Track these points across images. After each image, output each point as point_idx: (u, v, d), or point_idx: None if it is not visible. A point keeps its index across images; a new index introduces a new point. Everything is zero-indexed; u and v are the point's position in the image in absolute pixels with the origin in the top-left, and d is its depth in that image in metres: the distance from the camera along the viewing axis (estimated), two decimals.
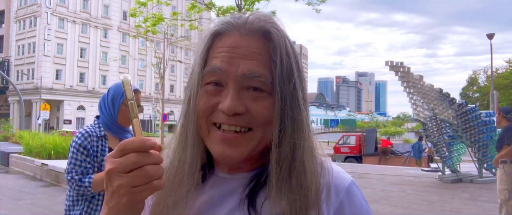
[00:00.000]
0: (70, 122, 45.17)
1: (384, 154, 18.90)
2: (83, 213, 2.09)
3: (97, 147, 2.13)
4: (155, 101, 42.09)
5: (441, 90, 10.19)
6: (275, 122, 0.64)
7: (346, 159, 19.13)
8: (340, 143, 20.25)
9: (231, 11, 12.75)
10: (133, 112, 0.58)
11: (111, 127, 2.19)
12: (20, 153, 12.10)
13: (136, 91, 2.17)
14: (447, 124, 10.32)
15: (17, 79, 46.03)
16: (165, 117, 27.67)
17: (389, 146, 20.00)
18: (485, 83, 44.05)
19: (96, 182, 2.03)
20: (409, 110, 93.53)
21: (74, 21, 47.00)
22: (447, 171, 10.64)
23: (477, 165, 10.07)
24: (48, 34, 44.44)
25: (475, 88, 47.27)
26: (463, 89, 48.82)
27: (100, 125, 2.19)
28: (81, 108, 47.40)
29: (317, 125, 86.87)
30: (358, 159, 19.02)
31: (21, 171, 11.05)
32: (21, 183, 9.21)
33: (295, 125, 0.65)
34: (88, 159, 2.08)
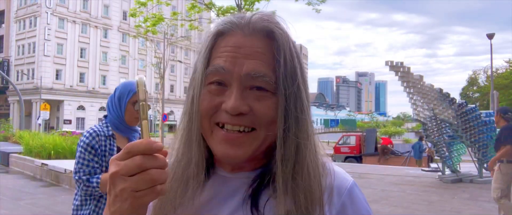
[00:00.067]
0: (70, 122, 45.17)
1: (384, 153, 18.88)
2: (92, 213, 2.08)
3: (105, 146, 2.12)
4: (155, 101, 42.09)
5: (441, 90, 10.19)
6: (279, 121, 0.64)
7: (346, 159, 19.12)
8: (340, 143, 20.24)
9: (231, 11, 12.76)
10: (143, 113, 0.57)
11: (119, 126, 2.18)
12: (20, 153, 12.10)
13: None
14: (447, 124, 10.32)
15: (17, 79, 46.03)
16: (165, 117, 27.67)
17: (389, 144, 19.98)
18: (485, 83, 44.05)
19: (104, 182, 2.02)
20: (409, 110, 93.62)
21: (74, 21, 47.00)
22: (447, 171, 10.64)
23: (477, 165, 10.07)
24: (48, 34, 44.43)
25: (475, 88, 47.26)
26: (463, 89, 48.80)
27: (108, 124, 2.18)
28: (81, 107, 47.40)
29: (317, 125, 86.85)
30: (358, 159, 19.02)
31: (21, 171, 11.05)
32: (21, 183, 9.20)
33: (299, 124, 0.66)
34: (95, 158, 2.08)
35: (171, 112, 53.12)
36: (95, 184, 2.03)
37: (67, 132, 15.92)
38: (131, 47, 50.13)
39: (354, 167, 14.17)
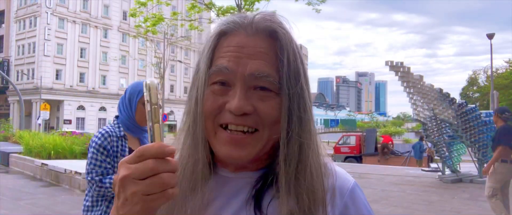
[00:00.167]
0: (70, 122, 45.15)
1: (384, 153, 18.88)
2: (103, 214, 2.07)
3: (117, 147, 2.12)
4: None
5: (441, 90, 10.20)
6: (283, 121, 0.64)
7: (346, 159, 19.13)
8: (340, 143, 20.26)
9: (231, 11, 12.76)
10: (155, 117, 0.56)
11: (130, 126, 2.19)
12: (20, 153, 12.10)
13: None
14: (447, 124, 10.33)
15: (17, 79, 46.01)
16: (165, 117, 27.70)
17: (389, 142, 19.96)
18: (485, 83, 44.04)
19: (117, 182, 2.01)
20: (409, 110, 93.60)
21: (74, 21, 46.99)
22: (447, 171, 10.64)
23: (477, 165, 10.08)
24: (48, 34, 44.41)
25: (475, 88, 47.24)
26: (463, 89, 48.80)
27: (120, 125, 2.19)
28: (81, 107, 47.38)
29: (317, 125, 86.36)
30: (358, 159, 19.03)
31: (21, 171, 11.05)
32: (21, 183, 9.20)
33: (302, 124, 0.66)
34: (108, 159, 2.07)
35: (171, 112, 53.11)
36: (108, 185, 2.03)
37: (67, 132, 15.90)
38: (131, 47, 50.11)
39: (354, 167, 14.17)
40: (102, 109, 49.42)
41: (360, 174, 11.20)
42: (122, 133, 2.16)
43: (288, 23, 0.69)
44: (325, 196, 0.66)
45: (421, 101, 10.44)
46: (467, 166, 11.50)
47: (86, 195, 2.14)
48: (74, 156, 11.13)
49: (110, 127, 2.16)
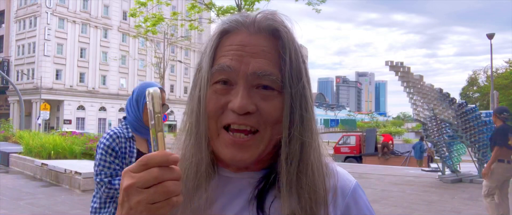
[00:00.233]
0: (70, 122, 45.15)
1: (384, 153, 18.88)
2: None
3: (126, 148, 2.11)
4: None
5: (441, 90, 10.20)
6: (285, 119, 0.64)
7: (346, 159, 19.13)
8: (340, 143, 20.24)
9: (231, 11, 12.76)
10: (158, 125, 0.56)
11: (138, 127, 2.18)
12: (20, 153, 12.09)
13: (161, 90, 2.19)
14: (447, 124, 10.33)
15: (17, 79, 46.02)
16: (165, 117, 27.70)
17: (390, 141, 19.94)
18: (485, 83, 44.03)
19: None
20: (409, 110, 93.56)
21: (74, 21, 46.99)
22: (447, 171, 10.64)
23: (477, 165, 10.08)
24: (48, 34, 44.41)
25: (475, 88, 47.23)
26: (463, 89, 48.79)
27: (127, 126, 2.18)
28: (81, 107, 47.37)
29: (317, 125, 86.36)
30: (358, 159, 19.02)
31: (21, 171, 11.04)
32: (21, 183, 9.20)
33: (304, 123, 0.65)
34: (116, 160, 2.06)
35: (171, 112, 53.10)
36: (117, 186, 2.01)
37: (67, 132, 15.91)
38: (131, 47, 50.12)
39: (354, 167, 14.17)
40: (102, 108, 49.42)
41: (360, 174, 11.20)
42: (130, 134, 2.15)
43: (290, 21, 0.69)
44: (327, 196, 0.66)
45: (421, 101, 10.44)
46: (467, 166, 11.51)
47: (94, 196, 2.12)
48: (74, 156, 11.12)
49: (118, 128, 2.14)
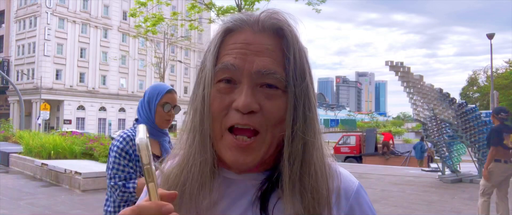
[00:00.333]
0: (70, 122, 45.16)
1: (384, 153, 18.89)
2: None
3: None
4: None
5: (441, 90, 10.20)
6: (288, 118, 0.64)
7: (346, 159, 19.13)
8: (340, 143, 20.24)
9: (231, 11, 12.76)
10: (149, 176, 0.55)
11: (150, 129, 2.13)
12: (20, 153, 12.09)
13: (172, 91, 2.15)
14: (447, 124, 10.33)
15: (17, 79, 46.02)
16: None
17: (390, 140, 19.93)
18: (485, 83, 44.05)
19: (140, 187, 1.97)
20: (409, 110, 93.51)
21: (74, 21, 46.99)
22: (447, 171, 10.64)
23: (477, 165, 10.08)
24: (48, 34, 44.42)
25: (475, 88, 47.25)
26: (463, 89, 48.80)
27: None
28: (81, 107, 47.38)
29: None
30: (358, 159, 19.02)
31: (21, 171, 11.04)
32: (21, 183, 9.20)
33: (307, 123, 0.65)
34: (130, 163, 2.03)
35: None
36: (132, 189, 1.99)
37: (67, 132, 15.90)
38: (131, 47, 50.12)
39: (354, 167, 14.17)
40: (102, 108, 49.42)
41: (360, 174, 11.20)
42: None
43: (294, 20, 0.68)
44: (330, 196, 0.65)
45: (421, 101, 10.44)
46: (467, 166, 11.51)
47: (107, 200, 2.10)
48: (74, 156, 11.13)
49: (131, 131, 2.11)
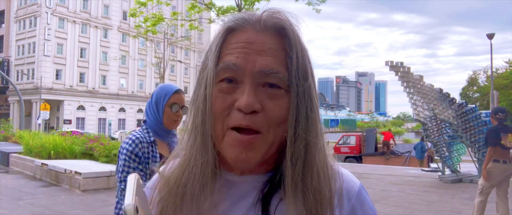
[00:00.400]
0: (70, 122, 45.16)
1: (384, 153, 18.89)
2: None
3: (148, 153, 2.06)
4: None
5: (441, 90, 10.20)
6: (291, 118, 0.63)
7: (346, 159, 19.12)
8: (340, 143, 20.24)
9: (231, 11, 12.76)
10: None
11: (158, 131, 2.13)
12: (20, 153, 12.10)
13: (179, 91, 2.16)
14: (447, 124, 10.33)
15: (17, 79, 46.01)
16: None
17: (391, 139, 19.91)
18: (485, 83, 44.06)
19: None
20: (409, 110, 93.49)
21: (74, 21, 47.00)
22: (447, 171, 10.64)
23: (477, 165, 10.08)
24: (48, 34, 44.42)
25: (475, 88, 47.26)
26: (463, 89, 48.81)
27: (149, 130, 2.13)
28: (81, 107, 47.38)
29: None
30: (358, 159, 19.02)
31: (21, 171, 11.05)
32: (21, 183, 9.20)
33: (309, 123, 0.65)
34: (140, 166, 2.01)
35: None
36: None
37: (67, 132, 15.91)
38: (131, 47, 50.11)
39: (354, 167, 14.17)
40: (102, 108, 49.42)
41: (360, 174, 11.20)
42: (152, 138, 2.10)
43: (295, 19, 0.68)
44: (333, 198, 0.65)
45: (421, 101, 10.44)
46: (467, 166, 11.51)
47: (118, 203, 2.07)
48: (74, 156, 11.13)
49: (140, 133, 2.10)
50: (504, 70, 41.24)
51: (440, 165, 10.89)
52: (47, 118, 27.93)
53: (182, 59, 50.31)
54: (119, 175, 2.01)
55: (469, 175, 10.43)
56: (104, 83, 50.00)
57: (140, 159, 2.01)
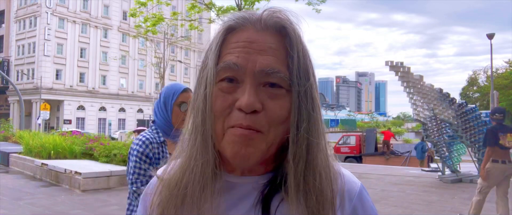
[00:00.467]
0: (70, 122, 45.17)
1: (385, 153, 18.89)
2: None
3: (159, 154, 2.05)
4: (155, 101, 41.98)
5: (441, 90, 10.20)
6: (293, 118, 0.63)
7: (346, 159, 19.13)
8: (340, 143, 20.25)
9: (231, 11, 12.76)
10: None
11: (167, 130, 2.12)
12: (20, 153, 12.10)
13: (188, 90, 2.14)
14: (447, 124, 10.33)
15: (17, 79, 46.02)
16: None
17: (391, 138, 19.90)
18: (485, 83, 44.08)
19: None
20: (409, 110, 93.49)
21: (74, 21, 47.00)
22: (447, 171, 10.64)
23: (477, 165, 10.08)
24: (48, 34, 44.42)
25: (475, 88, 47.28)
26: (463, 89, 48.84)
27: (158, 130, 2.12)
28: (81, 107, 47.39)
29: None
30: (358, 159, 19.03)
31: (21, 171, 11.05)
32: (21, 183, 9.20)
33: (311, 122, 0.64)
34: (151, 167, 2.01)
35: None
36: None
37: (67, 132, 15.91)
38: (131, 47, 50.12)
39: (354, 167, 14.17)
40: (102, 108, 49.42)
41: (360, 174, 11.20)
42: (162, 139, 2.09)
43: (296, 18, 0.67)
44: (334, 199, 0.64)
45: (421, 101, 10.44)
46: (467, 166, 11.51)
47: (130, 204, 2.06)
48: (74, 156, 11.13)
49: (149, 133, 2.09)
50: (504, 70, 41.25)
51: (440, 165, 10.89)
52: (47, 118, 27.94)
53: (182, 59, 50.32)
54: (131, 177, 2.00)
55: (469, 175, 10.43)
56: (104, 83, 50.00)
57: (151, 160, 2.00)
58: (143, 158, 1.98)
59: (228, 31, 0.66)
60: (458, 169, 10.88)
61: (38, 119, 29.22)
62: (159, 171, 0.74)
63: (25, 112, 30.71)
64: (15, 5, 47.79)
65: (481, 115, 9.99)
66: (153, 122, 2.16)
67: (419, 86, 10.20)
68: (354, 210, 0.67)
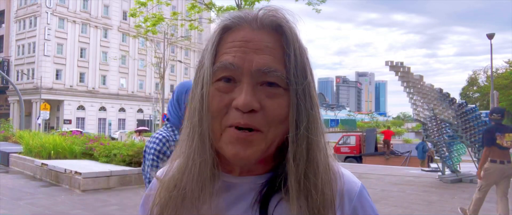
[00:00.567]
0: (70, 122, 45.17)
1: (385, 153, 18.90)
2: None
3: None
4: (155, 101, 42.04)
5: (441, 90, 10.20)
6: (292, 117, 0.62)
7: (346, 159, 19.13)
8: (340, 143, 20.24)
9: (231, 11, 12.75)
10: None
11: (181, 128, 2.12)
12: (20, 153, 12.10)
13: None
14: (447, 124, 10.33)
15: (17, 79, 46.03)
16: (165, 117, 27.67)
17: (391, 136, 19.91)
18: (485, 83, 44.10)
19: None
20: (409, 110, 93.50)
21: (74, 21, 47.00)
22: (447, 171, 10.64)
23: (477, 165, 10.08)
24: (48, 34, 44.43)
25: (475, 88, 47.31)
26: (463, 89, 48.86)
27: (173, 128, 2.11)
28: (81, 107, 47.39)
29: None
30: (358, 159, 19.03)
31: (21, 171, 11.05)
32: (21, 183, 9.20)
33: (310, 121, 0.64)
34: None
35: None
36: None
37: (67, 132, 15.91)
38: (131, 47, 50.13)
39: (354, 167, 14.17)
40: (102, 108, 49.43)
41: (360, 174, 11.20)
42: (177, 137, 2.07)
43: (293, 17, 0.67)
44: (334, 198, 0.64)
45: (421, 101, 10.44)
46: (467, 166, 11.51)
47: None
48: (74, 156, 11.13)
49: (165, 132, 2.07)
50: (504, 70, 41.27)
51: (440, 165, 10.89)
52: (47, 118, 27.94)
53: (182, 59, 50.32)
54: (148, 175, 1.98)
55: (469, 175, 10.43)
56: (104, 83, 50.01)
57: (168, 158, 2.01)
58: (160, 156, 1.97)
59: (224, 31, 0.66)
60: (458, 169, 10.89)
61: (38, 118, 29.23)
62: (159, 172, 0.74)
63: (25, 112, 30.71)
64: (15, 5, 47.79)
65: (481, 115, 9.99)
66: (168, 119, 2.15)
67: (419, 86, 10.20)
68: (354, 210, 0.67)
